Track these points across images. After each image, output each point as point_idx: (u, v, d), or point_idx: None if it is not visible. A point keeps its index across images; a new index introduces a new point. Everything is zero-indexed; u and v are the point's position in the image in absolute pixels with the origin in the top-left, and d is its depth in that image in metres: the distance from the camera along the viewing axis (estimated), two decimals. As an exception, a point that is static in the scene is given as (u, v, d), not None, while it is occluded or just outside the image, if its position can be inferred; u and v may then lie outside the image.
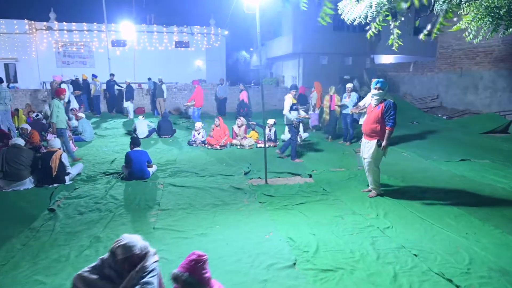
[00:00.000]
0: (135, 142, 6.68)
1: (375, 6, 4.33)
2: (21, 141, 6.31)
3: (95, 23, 21.07)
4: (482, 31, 4.59)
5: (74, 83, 14.20)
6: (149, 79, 15.89)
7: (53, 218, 4.63)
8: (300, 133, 9.06)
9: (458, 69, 13.34)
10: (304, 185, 6.02)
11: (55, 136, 7.62)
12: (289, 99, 7.67)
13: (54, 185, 5.94)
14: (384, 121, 5.15)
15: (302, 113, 8.89)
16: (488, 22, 4.18)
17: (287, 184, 6.09)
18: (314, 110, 11.53)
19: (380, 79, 5.20)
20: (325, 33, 18.26)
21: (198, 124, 9.77)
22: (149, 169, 6.53)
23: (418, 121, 12.98)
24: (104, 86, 15.40)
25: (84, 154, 8.23)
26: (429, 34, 2.92)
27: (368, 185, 5.62)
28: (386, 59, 20.07)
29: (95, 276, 2.25)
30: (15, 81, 20.25)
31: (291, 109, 7.62)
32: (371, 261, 3.56)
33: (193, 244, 3.95)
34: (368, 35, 4.22)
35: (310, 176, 6.58)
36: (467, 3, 4.16)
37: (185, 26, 22.37)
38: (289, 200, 5.31)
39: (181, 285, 2.18)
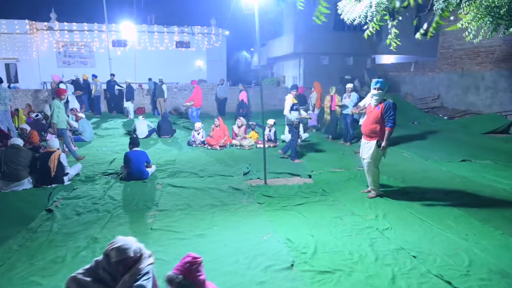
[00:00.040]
0: (134, 142, 6.66)
1: (375, 6, 4.30)
2: (19, 141, 6.30)
3: (95, 23, 21.08)
4: (482, 30, 4.56)
5: (75, 83, 14.22)
6: (150, 79, 15.88)
7: (51, 219, 4.62)
8: (300, 133, 9.03)
9: (459, 69, 13.29)
10: (303, 186, 6.00)
11: (56, 136, 7.63)
12: (289, 99, 7.64)
13: (53, 185, 5.92)
14: (383, 122, 5.11)
15: (303, 113, 8.87)
16: (488, 22, 4.15)
17: (286, 185, 6.06)
18: (313, 110, 11.50)
19: (380, 79, 5.17)
20: (326, 33, 18.23)
21: (198, 124, 9.75)
22: (148, 169, 6.51)
23: (419, 121, 12.94)
24: (104, 86, 15.40)
25: (84, 154, 8.21)
26: (425, 33, 2.90)
27: (368, 186, 5.59)
28: (387, 59, 20.02)
29: (88, 279, 2.22)
30: (16, 81, 20.27)
31: (292, 109, 7.59)
32: (369, 262, 3.53)
33: (191, 245, 3.93)
34: (365, 35, 4.19)
35: (310, 176, 6.55)
36: (467, 3, 4.13)
37: (185, 26, 22.36)
38: (288, 200, 5.28)
39: (175, 287, 2.16)
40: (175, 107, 16.10)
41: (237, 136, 9.55)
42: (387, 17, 3.84)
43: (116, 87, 15.24)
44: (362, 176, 5.94)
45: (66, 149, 8.05)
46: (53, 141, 6.41)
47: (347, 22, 5.04)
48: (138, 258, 2.24)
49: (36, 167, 6.04)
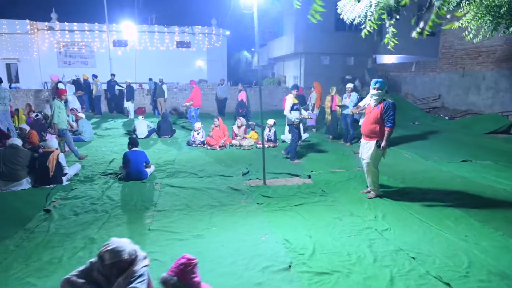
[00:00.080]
0: (133, 142, 6.65)
1: (375, 5, 4.27)
2: (18, 141, 6.28)
3: (96, 23, 21.10)
4: (482, 30, 4.53)
5: (76, 83, 14.21)
6: (150, 79, 15.88)
7: (48, 219, 4.60)
8: (300, 133, 8.99)
9: (460, 69, 13.24)
10: (302, 186, 5.97)
11: (57, 136, 7.63)
12: (290, 99, 7.61)
13: (51, 185, 5.91)
14: (383, 122, 5.08)
15: (305, 113, 8.84)
16: (488, 21, 4.12)
17: (285, 185, 6.04)
18: (312, 110, 11.46)
19: (379, 79, 5.14)
20: (327, 33, 18.20)
21: (198, 125, 9.73)
22: (147, 169, 6.49)
23: (420, 121, 12.90)
24: (104, 86, 15.40)
25: (84, 154, 8.19)
26: (422, 32, 2.87)
27: (367, 186, 5.55)
28: (388, 59, 19.97)
29: (82, 280, 2.20)
30: (17, 81, 20.31)
31: (292, 109, 7.56)
32: (367, 264, 3.50)
33: (188, 245, 3.91)
34: (363, 34, 4.16)
35: (309, 177, 6.52)
36: (467, 2, 4.09)
37: (186, 26, 22.37)
38: (287, 201, 5.26)
39: (169, 289, 2.14)
40: (175, 107, 16.09)
41: (237, 136, 9.53)
42: (384, 16, 3.81)
43: (117, 87, 15.24)
44: (362, 177, 5.91)
45: (68, 149, 8.05)
46: (52, 141, 6.40)
47: (347, 22, 5.01)
48: (133, 260, 2.22)
49: (34, 167, 6.03)
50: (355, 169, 6.94)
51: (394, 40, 3.80)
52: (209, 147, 9.00)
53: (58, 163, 5.99)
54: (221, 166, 7.35)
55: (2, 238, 4.07)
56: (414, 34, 2.99)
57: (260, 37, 6.31)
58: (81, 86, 14.44)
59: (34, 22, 20.46)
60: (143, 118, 11.10)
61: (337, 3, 5.06)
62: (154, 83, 15.26)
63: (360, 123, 5.48)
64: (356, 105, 7.86)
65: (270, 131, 9.31)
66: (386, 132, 5.05)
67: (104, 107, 15.46)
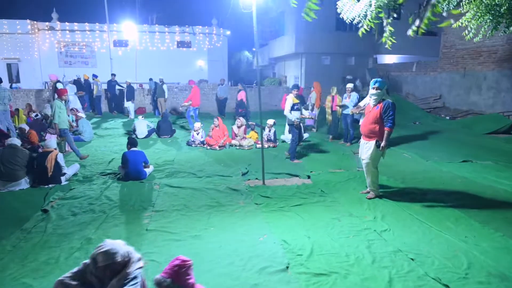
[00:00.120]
0: (132, 142, 6.63)
1: (375, 5, 4.25)
2: (17, 141, 6.27)
3: (97, 23, 21.11)
4: (482, 29, 4.49)
5: (77, 83, 14.22)
6: (151, 79, 15.87)
7: (46, 219, 4.58)
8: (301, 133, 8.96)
9: (461, 69, 13.19)
10: (302, 186, 5.94)
11: (57, 136, 7.62)
12: (290, 99, 7.58)
13: (50, 185, 5.89)
14: (382, 122, 5.04)
15: (306, 113, 8.80)
16: (488, 20, 4.08)
17: (284, 185, 6.01)
18: (312, 110, 11.44)
19: (379, 79, 5.11)
20: (328, 33, 18.16)
21: (197, 124, 9.72)
22: (146, 169, 6.47)
23: (421, 121, 12.85)
24: (105, 86, 15.39)
25: (83, 154, 8.18)
26: (418, 30, 2.84)
27: (367, 187, 5.52)
28: (389, 59, 19.92)
29: (75, 282, 2.18)
30: (18, 81, 20.33)
31: (292, 109, 7.54)
32: (366, 265, 3.47)
33: (186, 246, 3.88)
34: (360, 33, 4.13)
35: (309, 177, 6.49)
36: (467, 1, 4.06)
37: (187, 26, 22.36)
38: (286, 201, 5.23)
39: (163, 291, 2.11)
40: (175, 107, 16.08)
41: (236, 136, 9.50)
42: (382, 14, 3.78)
43: (117, 87, 15.24)
44: (362, 177, 5.88)
45: (69, 149, 8.04)
46: (51, 141, 6.39)
47: (347, 21, 4.98)
48: (126, 263, 2.19)
49: (33, 167, 6.02)
50: (354, 170, 6.90)
51: (391, 39, 3.77)
52: (208, 147, 8.98)
53: (56, 163, 5.97)
54: (220, 166, 7.33)
55: (-1, 238, 4.06)
56: (410, 32, 2.96)
57: (260, 37, 6.28)
58: (82, 86, 14.44)
59: (35, 22, 20.48)
60: (143, 118, 11.09)
61: (337, 3, 5.04)
62: (154, 83, 15.25)
63: (360, 123, 5.44)
64: (356, 105, 7.83)
65: (270, 131, 9.28)
66: (386, 132, 5.02)
67: (104, 107, 15.46)
